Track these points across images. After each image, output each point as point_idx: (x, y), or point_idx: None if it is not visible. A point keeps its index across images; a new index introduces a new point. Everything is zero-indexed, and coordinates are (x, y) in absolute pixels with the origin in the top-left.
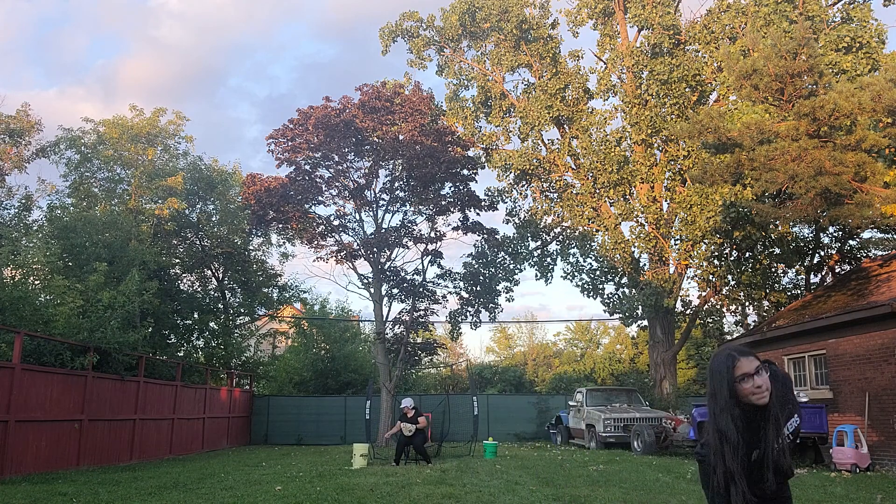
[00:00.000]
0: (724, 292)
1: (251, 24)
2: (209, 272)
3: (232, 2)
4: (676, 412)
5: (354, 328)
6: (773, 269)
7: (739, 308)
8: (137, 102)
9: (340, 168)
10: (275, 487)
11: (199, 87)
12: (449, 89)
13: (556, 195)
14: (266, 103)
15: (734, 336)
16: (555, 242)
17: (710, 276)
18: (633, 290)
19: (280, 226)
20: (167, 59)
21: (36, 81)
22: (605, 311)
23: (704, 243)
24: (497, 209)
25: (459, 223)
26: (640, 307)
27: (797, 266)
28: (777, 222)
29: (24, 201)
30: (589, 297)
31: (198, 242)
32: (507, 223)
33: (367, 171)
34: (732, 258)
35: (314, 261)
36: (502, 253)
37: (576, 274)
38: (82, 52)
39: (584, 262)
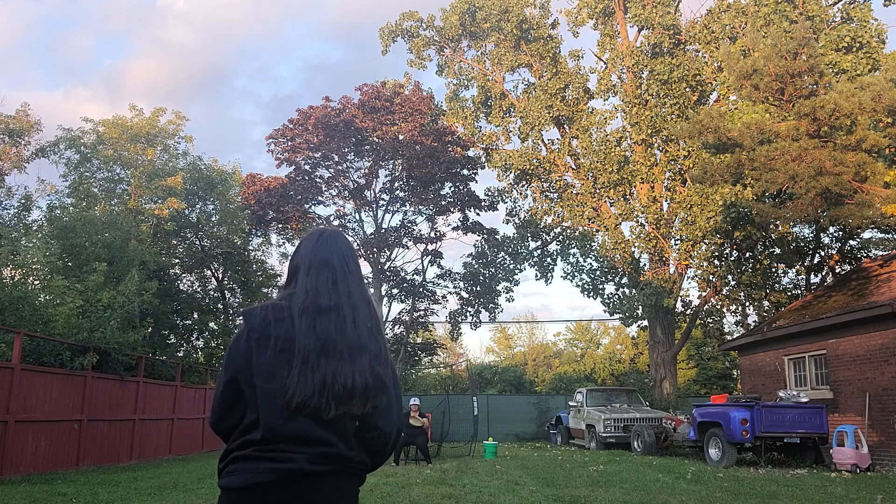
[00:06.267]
0: (724, 292)
1: (258, 26)
2: (209, 272)
3: (239, 3)
4: (676, 412)
5: None
6: (774, 269)
7: (739, 308)
8: (143, 104)
9: (340, 168)
10: None
11: (205, 88)
12: (449, 89)
13: (556, 195)
14: (272, 104)
15: (734, 336)
16: (555, 242)
17: (711, 276)
18: (634, 290)
19: (280, 226)
20: (174, 61)
21: (42, 82)
22: (605, 311)
23: (704, 243)
24: (497, 209)
25: (459, 223)
26: (640, 307)
27: (797, 266)
28: (777, 222)
29: (23, 201)
30: (589, 297)
31: (197, 242)
32: (507, 223)
33: (366, 171)
34: (732, 258)
35: None
36: (502, 253)
37: (576, 274)
38: (89, 54)
39: (585, 262)
